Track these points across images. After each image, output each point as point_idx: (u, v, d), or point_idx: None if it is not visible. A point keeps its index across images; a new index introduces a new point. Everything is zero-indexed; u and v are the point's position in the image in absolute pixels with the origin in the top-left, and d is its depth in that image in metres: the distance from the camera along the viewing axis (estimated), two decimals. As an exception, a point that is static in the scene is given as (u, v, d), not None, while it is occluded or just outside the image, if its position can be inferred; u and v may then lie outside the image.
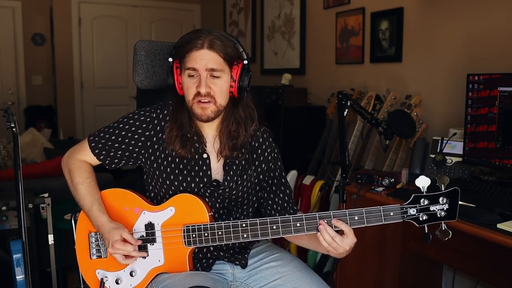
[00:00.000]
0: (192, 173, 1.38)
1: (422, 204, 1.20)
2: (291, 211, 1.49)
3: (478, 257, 1.97)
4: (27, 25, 5.38)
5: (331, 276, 2.50)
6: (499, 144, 1.83)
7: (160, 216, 1.36)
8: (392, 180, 2.02)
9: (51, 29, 5.46)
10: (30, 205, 2.23)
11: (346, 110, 1.91)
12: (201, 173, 1.38)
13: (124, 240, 1.31)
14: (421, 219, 1.20)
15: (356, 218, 1.23)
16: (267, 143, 1.47)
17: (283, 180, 1.51)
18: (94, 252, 1.42)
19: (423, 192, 1.20)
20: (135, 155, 1.42)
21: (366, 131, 2.83)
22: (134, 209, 1.39)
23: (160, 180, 1.39)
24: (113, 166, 1.45)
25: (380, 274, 2.36)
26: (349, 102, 1.91)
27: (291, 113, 3.40)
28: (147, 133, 1.40)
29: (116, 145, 1.41)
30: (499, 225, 1.49)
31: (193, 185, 1.37)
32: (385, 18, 2.97)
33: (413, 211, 1.20)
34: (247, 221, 1.28)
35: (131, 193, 1.41)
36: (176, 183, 1.38)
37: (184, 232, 1.32)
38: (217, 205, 1.40)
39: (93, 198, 1.39)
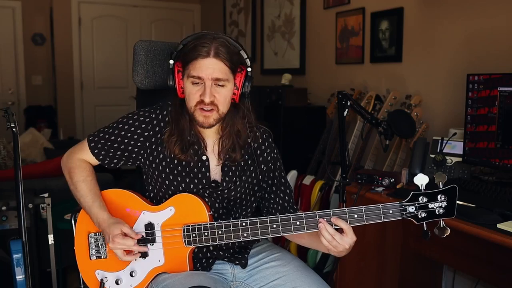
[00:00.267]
0: (191, 174, 1.38)
1: (420, 201, 1.20)
2: (291, 211, 1.49)
3: (478, 257, 1.97)
4: (27, 25, 5.39)
5: (331, 276, 2.50)
6: (499, 144, 1.83)
7: (160, 216, 1.36)
8: (392, 180, 2.02)
9: (51, 29, 5.46)
10: (30, 205, 2.22)
11: (346, 110, 1.91)
12: (200, 174, 1.38)
13: (125, 235, 1.31)
14: (419, 216, 1.20)
15: (356, 216, 1.23)
16: (266, 143, 1.47)
17: (283, 180, 1.51)
18: (94, 253, 1.41)
19: (421, 190, 1.20)
20: (134, 155, 1.42)
21: (366, 131, 2.83)
22: (134, 210, 1.39)
23: (160, 180, 1.39)
24: (112, 166, 1.45)
25: (380, 274, 2.36)
26: (349, 102, 1.91)
27: (291, 113, 3.40)
28: (146, 134, 1.40)
29: (116, 145, 1.41)
30: (499, 225, 1.49)
31: (192, 185, 1.37)
32: (385, 18, 2.97)
33: (412, 208, 1.20)
34: (247, 220, 1.28)
35: (131, 194, 1.41)
36: (175, 183, 1.38)
37: (184, 232, 1.32)
38: (217, 205, 1.40)
39: (94, 196, 1.39)
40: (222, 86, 1.30)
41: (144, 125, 1.40)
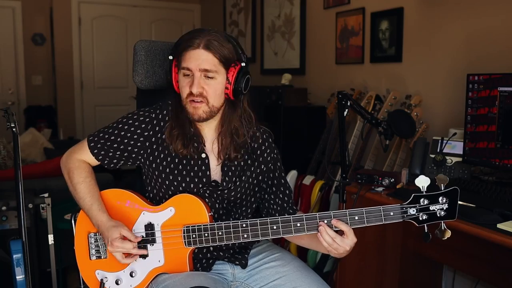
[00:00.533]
0: (191, 173, 1.37)
1: (421, 203, 1.19)
2: (291, 211, 1.49)
3: (478, 257, 1.97)
4: (27, 25, 5.38)
5: (331, 276, 2.50)
6: (499, 144, 1.83)
7: (160, 216, 1.36)
8: (392, 180, 2.02)
9: (51, 29, 5.46)
10: (30, 205, 2.22)
11: (346, 110, 1.91)
12: (200, 173, 1.38)
13: (124, 238, 1.31)
14: (420, 218, 1.20)
15: (356, 218, 1.23)
16: (266, 143, 1.47)
17: (282, 180, 1.51)
18: (94, 253, 1.41)
19: (422, 192, 1.20)
20: (134, 155, 1.42)
21: (366, 131, 2.83)
22: (134, 210, 1.39)
23: (160, 180, 1.39)
24: (112, 166, 1.45)
25: (380, 274, 2.36)
26: (349, 102, 1.91)
27: (291, 113, 3.40)
28: (146, 133, 1.40)
29: (115, 145, 1.41)
30: (499, 225, 1.49)
31: (192, 185, 1.37)
32: (385, 18, 2.97)
33: (413, 210, 1.20)
34: (247, 221, 1.28)
35: (130, 194, 1.41)
36: (175, 183, 1.38)
37: (184, 233, 1.32)
38: (217, 206, 1.40)
39: (93, 197, 1.39)
40: (212, 78, 1.30)
41: (144, 125, 1.40)
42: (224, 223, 1.30)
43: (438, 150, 2.09)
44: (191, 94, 1.30)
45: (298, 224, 1.25)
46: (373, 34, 3.08)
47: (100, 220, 1.35)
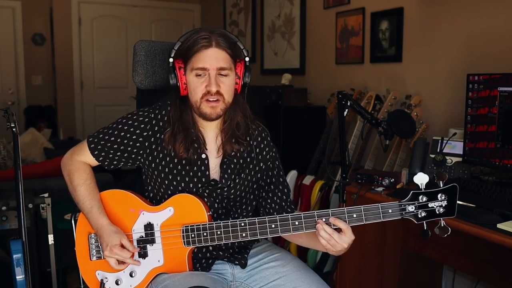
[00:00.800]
0: (191, 173, 1.38)
1: (420, 201, 1.19)
2: (289, 210, 1.49)
3: (478, 257, 1.97)
4: (27, 25, 5.39)
5: (331, 276, 2.50)
6: (499, 144, 1.83)
7: (159, 216, 1.36)
8: (392, 180, 2.02)
9: (51, 29, 5.46)
10: (30, 205, 2.22)
11: (346, 110, 1.91)
12: (199, 173, 1.38)
13: (123, 246, 1.32)
14: (419, 216, 1.20)
15: (355, 216, 1.22)
16: (265, 142, 1.47)
17: (281, 179, 1.51)
18: (94, 253, 1.42)
19: (421, 189, 1.20)
20: (133, 155, 1.42)
21: (366, 131, 2.83)
22: (134, 210, 1.39)
23: (159, 180, 1.39)
24: (112, 166, 1.45)
25: (380, 274, 2.36)
26: (349, 102, 1.91)
27: (291, 113, 3.39)
28: (146, 134, 1.40)
29: (115, 146, 1.41)
30: (499, 225, 1.49)
31: (191, 185, 1.37)
32: (385, 18, 2.97)
33: (412, 208, 1.20)
34: (246, 220, 1.28)
35: (130, 194, 1.41)
36: (174, 183, 1.38)
37: (183, 232, 1.32)
38: (216, 205, 1.40)
39: (93, 200, 1.39)
40: (226, 75, 1.32)
41: (143, 125, 1.40)
42: (222, 222, 1.30)
43: (438, 150, 2.09)
44: (207, 93, 1.31)
45: (297, 223, 1.25)
46: (373, 34, 3.08)
47: (101, 223, 1.36)
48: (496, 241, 1.45)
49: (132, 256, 1.34)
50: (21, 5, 5.32)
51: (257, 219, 1.28)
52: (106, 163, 1.44)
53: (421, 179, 1.19)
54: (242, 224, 1.28)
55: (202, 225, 1.31)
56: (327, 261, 2.69)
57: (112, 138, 1.41)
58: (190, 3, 6.01)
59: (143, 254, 1.36)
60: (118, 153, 1.42)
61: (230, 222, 1.29)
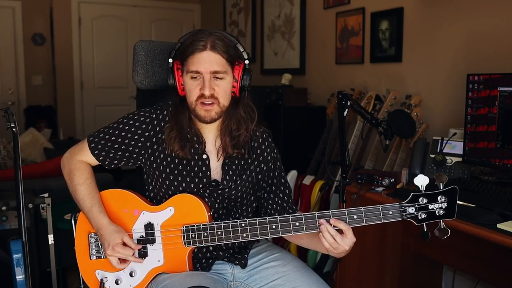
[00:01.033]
0: (192, 173, 1.38)
1: (420, 202, 1.19)
2: (290, 211, 1.49)
3: (478, 257, 1.97)
4: (27, 25, 5.39)
5: (331, 276, 2.50)
6: (499, 144, 1.83)
7: (160, 216, 1.36)
8: (392, 180, 2.02)
9: (51, 29, 5.46)
10: (30, 205, 2.22)
11: (346, 110, 1.91)
12: (200, 173, 1.38)
13: (124, 244, 1.32)
14: (419, 217, 1.20)
15: (355, 217, 1.22)
16: (266, 143, 1.47)
17: (282, 180, 1.51)
18: (94, 253, 1.42)
19: (421, 191, 1.20)
20: (134, 155, 1.42)
21: (366, 131, 2.83)
22: (134, 210, 1.39)
23: (160, 180, 1.39)
24: (112, 166, 1.45)
25: (380, 274, 2.36)
26: (349, 102, 1.91)
27: (291, 113, 3.40)
28: (147, 134, 1.40)
29: (116, 145, 1.41)
30: (499, 225, 1.49)
31: (192, 185, 1.37)
32: (385, 18, 2.97)
33: (412, 209, 1.20)
34: (246, 220, 1.28)
35: (130, 194, 1.41)
36: (175, 183, 1.38)
37: (183, 232, 1.32)
38: (217, 205, 1.40)
39: (93, 200, 1.39)
40: (221, 78, 1.30)
41: (144, 126, 1.40)
42: (223, 223, 1.30)
43: (438, 150, 2.09)
44: (201, 96, 1.30)
45: (297, 224, 1.25)
46: (373, 34, 3.08)
47: (101, 223, 1.35)
48: (496, 241, 1.45)
49: (134, 254, 1.34)
50: (21, 5, 5.32)
51: (258, 219, 1.28)
52: (106, 163, 1.44)
53: (421, 181, 1.19)
54: (243, 225, 1.28)
55: (203, 225, 1.31)
56: (327, 261, 2.69)
57: (113, 138, 1.41)
58: (190, 3, 6.01)
59: (143, 254, 1.36)
60: (119, 153, 1.42)
61: (231, 222, 1.29)
